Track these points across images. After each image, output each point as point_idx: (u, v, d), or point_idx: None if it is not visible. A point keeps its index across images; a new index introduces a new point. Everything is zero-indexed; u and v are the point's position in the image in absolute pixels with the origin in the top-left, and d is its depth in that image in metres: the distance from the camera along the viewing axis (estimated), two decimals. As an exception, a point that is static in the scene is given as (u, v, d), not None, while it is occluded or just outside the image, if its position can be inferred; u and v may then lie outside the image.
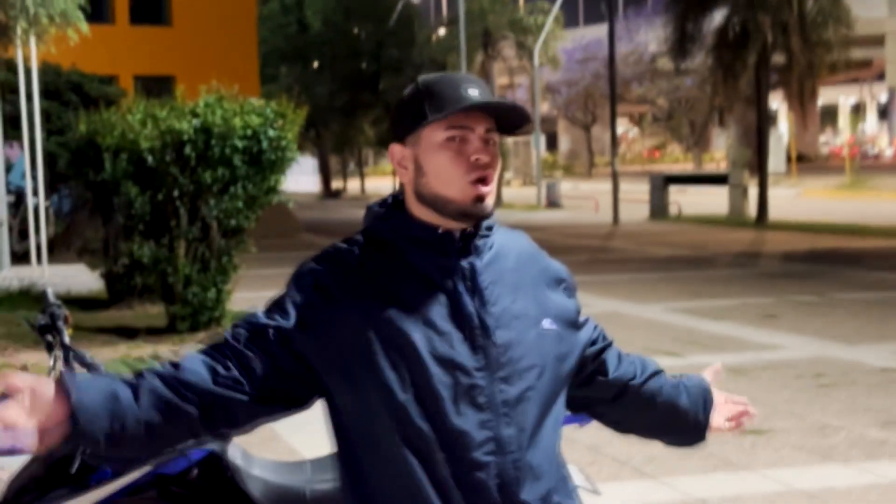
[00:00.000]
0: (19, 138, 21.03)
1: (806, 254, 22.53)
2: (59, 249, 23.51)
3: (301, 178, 67.11)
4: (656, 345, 12.37)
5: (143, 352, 12.29)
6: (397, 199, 2.60)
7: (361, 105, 55.91)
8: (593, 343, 2.79)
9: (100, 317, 15.06)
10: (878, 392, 9.79)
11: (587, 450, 8.14)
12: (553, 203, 43.71)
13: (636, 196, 38.26)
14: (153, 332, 13.49)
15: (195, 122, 12.95)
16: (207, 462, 3.76)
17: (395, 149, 2.56)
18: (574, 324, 2.70)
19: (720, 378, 3.05)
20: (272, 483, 3.82)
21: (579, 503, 2.72)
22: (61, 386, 2.30)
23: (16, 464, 3.92)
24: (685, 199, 36.51)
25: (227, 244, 13.40)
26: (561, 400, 2.66)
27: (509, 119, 2.52)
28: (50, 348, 3.99)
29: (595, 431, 8.31)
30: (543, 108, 57.08)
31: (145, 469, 3.69)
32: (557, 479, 2.62)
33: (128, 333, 13.53)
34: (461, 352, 2.46)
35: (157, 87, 27.45)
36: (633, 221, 33.95)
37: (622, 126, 76.02)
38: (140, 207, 13.49)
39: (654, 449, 8.05)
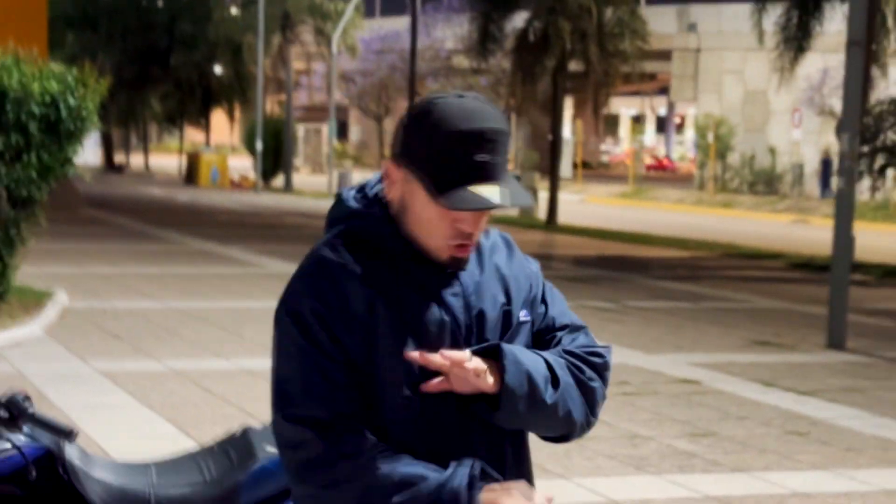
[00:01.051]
0: None
1: (596, 259, 22.89)
2: None
3: (82, 149, 65.18)
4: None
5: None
6: (378, 198, 2.50)
7: (150, 79, 54.50)
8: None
9: None
10: (681, 403, 9.89)
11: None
12: (343, 192, 43.53)
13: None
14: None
15: (-10, 83, 12.20)
16: (43, 461, 3.39)
17: (391, 167, 2.44)
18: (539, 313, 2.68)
19: None
20: (114, 486, 3.46)
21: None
22: None
23: None
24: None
25: (16, 215, 12.68)
26: None
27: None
28: None
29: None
30: (336, 96, 56.74)
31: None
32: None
33: None
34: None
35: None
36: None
37: (413, 120, 76.26)
38: None
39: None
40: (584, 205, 43.59)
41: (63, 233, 22.88)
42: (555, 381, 2.51)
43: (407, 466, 2.36)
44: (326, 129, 52.18)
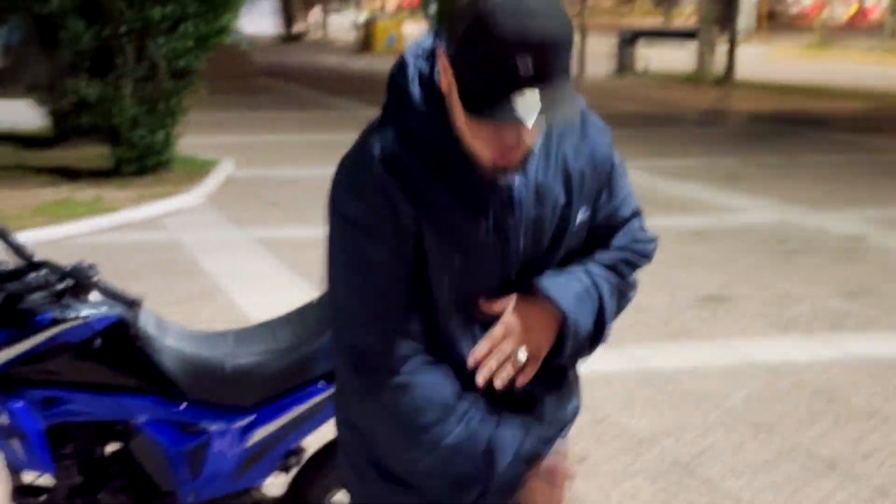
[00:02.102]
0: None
1: (772, 114, 22.14)
2: (7, 83, 22.77)
3: (261, 19, 65.76)
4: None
5: (86, 194, 11.83)
6: (437, 89, 2.18)
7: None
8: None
9: (44, 156, 14.55)
10: (842, 260, 9.51)
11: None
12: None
13: (603, 50, 37.53)
14: (98, 175, 13.01)
15: (147, -40, 12.28)
16: (114, 330, 3.38)
17: (440, 54, 2.12)
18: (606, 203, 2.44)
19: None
20: (188, 354, 3.44)
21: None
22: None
23: None
24: (652, 55, 35.88)
25: (175, 85, 12.85)
26: None
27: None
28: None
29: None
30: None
31: (46, 335, 3.31)
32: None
33: (72, 174, 13.05)
34: (491, 271, 2.27)
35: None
36: (598, 76, 33.37)
37: (592, -23, 74.79)
38: (86, 44, 12.87)
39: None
40: (766, 59, 42.11)
41: (235, 102, 23.23)
42: (602, 314, 2.42)
43: (466, 423, 2.22)
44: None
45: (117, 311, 3.40)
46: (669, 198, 12.49)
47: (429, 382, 2.19)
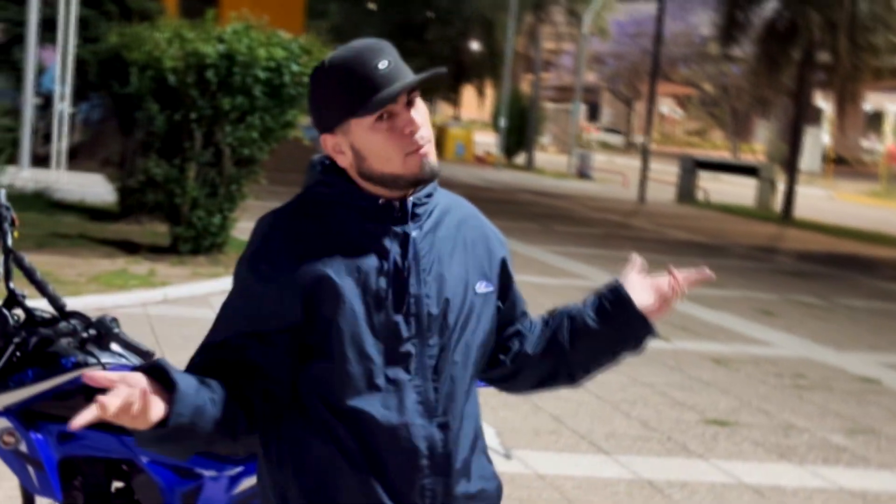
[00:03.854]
0: (54, 42, 21.13)
1: (822, 255, 22.45)
2: (83, 158, 23.66)
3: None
4: (647, 326, 12.40)
5: (141, 267, 12.41)
6: (335, 164, 2.60)
7: (407, 52, 55.53)
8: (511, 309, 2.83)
9: (108, 228, 15.19)
10: (852, 400, 9.81)
11: (551, 419, 8.22)
12: (583, 174, 43.59)
13: (668, 177, 38.05)
14: (155, 251, 13.61)
15: (220, 47, 12.98)
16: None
17: (327, 139, 2.55)
18: (504, 287, 2.77)
19: (641, 266, 2.88)
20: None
21: (490, 463, 2.74)
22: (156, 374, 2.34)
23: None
24: (716, 187, 36.33)
25: (238, 172, 13.48)
26: (482, 363, 2.71)
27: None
28: (-7, 248, 4.06)
29: (561, 402, 8.40)
30: (588, 77, 56.67)
31: (68, 376, 3.78)
32: (477, 439, 2.67)
33: (131, 248, 13.66)
34: (395, 319, 2.51)
35: (200, 8, 27.39)
36: (660, 202, 33.84)
37: (666, 106, 75.58)
38: (159, 126, 13.56)
39: (617, 426, 8.16)
40: (830, 201, 42.43)
41: (289, 193, 23.91)
42: None
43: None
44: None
45: (134, 361, 3.87)
46: (699, 324, 12.86)
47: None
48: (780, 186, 32.28)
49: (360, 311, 2.48)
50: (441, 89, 59.60)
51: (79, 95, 22.34)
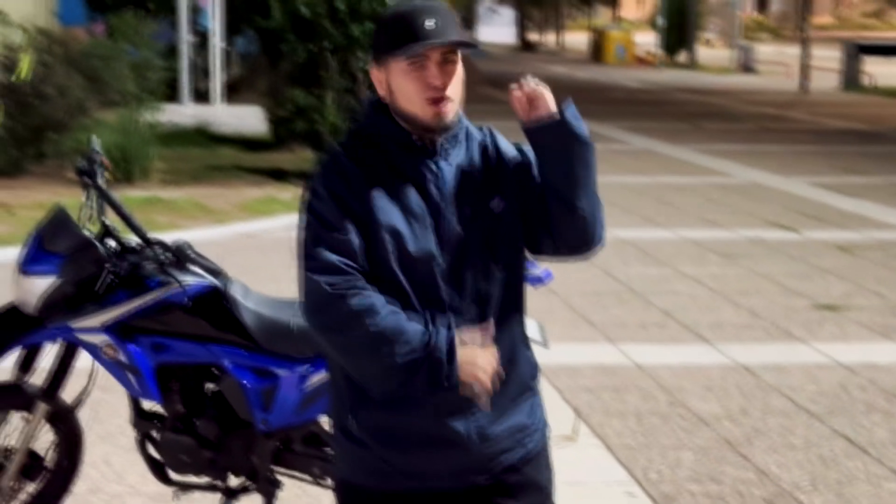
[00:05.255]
0: (206, -18, 22.03)
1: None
2: (243, 90, 24.61)
3: (500, 29, 67.34)
4: (778, 218, 12.61)
5: (288, 194, 13.12)
6: (383, 103, 3.05)
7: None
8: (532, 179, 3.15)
9: (261, 158, 15.98)
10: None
11: (660, 313, 8.62)
12: (747, 67, 43.02)
13: (836, 65, 37.24)
14: (303, 176, 14.32)
15: (350, -22, 13.53)
16: (209, 294, 4.43)
17: (374, 71, 3.04)
18: (522, 184, 3.12)
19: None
20: (264, 315, 4.46)
21: (531, 352, 3.19)
22: None
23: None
24: (887, 71, 35.45)
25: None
26: (519, 262, 3.14)
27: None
28: (86, 188, 4.66)
29: (673, 297, 8.77)
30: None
31: (154, 294, 4.39)
32: (517, 331, 3.13)
33: (279, 175, 14.40)
34: (428, 238, 2.96)
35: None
36: (823, 91, 33.34)
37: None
38: (300, 57, 14.22)
39: (725, 316, 8.51)
40: None
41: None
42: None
43: (399, 320, 2.90)
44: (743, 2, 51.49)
45: (212, 279, 4.46)
46: (832, 213, 12.99)
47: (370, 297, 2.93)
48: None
49: (404, 230, 2.94)
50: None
51: (233, 31, 23.24)
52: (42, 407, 4.59)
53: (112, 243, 4.53)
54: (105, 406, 6.16)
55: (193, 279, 4.44)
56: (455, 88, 2.97)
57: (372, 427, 3.00)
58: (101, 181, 4.59)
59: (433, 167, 3.01)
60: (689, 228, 12.01)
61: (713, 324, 8.38)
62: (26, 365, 4.66)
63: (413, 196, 2.99)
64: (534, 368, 3.18)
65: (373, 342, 2.88)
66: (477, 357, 2.89)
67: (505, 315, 3.08)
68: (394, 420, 2.99)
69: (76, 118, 14.33)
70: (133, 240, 4.54)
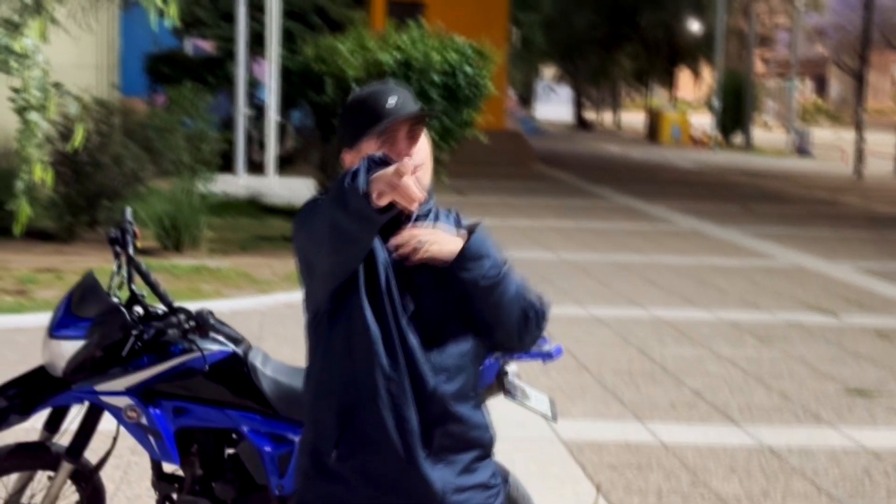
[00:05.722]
0: (263, 55, 22.48)
1: None
2: (298, 163, 24.99)
3: (557, 107, 67.83)
4: (819, 302, 12.63)
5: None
6: None
7: (620, 37, 55.94)
8: None
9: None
10: None
11: (691, 393, 8.67)
12: (802, 151, 42.99)
13: (891, 150, 37.13)
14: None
15: (398, 55, 13.80)
16: (229, 361, 4.59)
17: (345, 156, 3.25)
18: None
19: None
20: (282, 383, 4.61)
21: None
22: None
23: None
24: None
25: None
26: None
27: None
28: (117, 256, 4.85)
29: (705, 377, 8.82)
30: (816, 50, 55.57)
31: (176, 361, 4.55)
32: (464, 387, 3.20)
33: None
34: (395, 300, 3.11)
35: (408, 12, 28.32)
36: (878, 176, 33.25)
37: (897, 74, 73.26)
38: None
39: (755, 398, 8.55)
40: None
41: (502, 187, 24.69)
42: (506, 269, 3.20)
43: None
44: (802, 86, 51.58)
45: (232, 347, 4.61)
46: (874, 299, 12.99)
47: None
48: None
49: (368, 294, 3.09)
50: (656, 73, 59.49)
51: (290, 105, 23.65)
52: (66, 466, 4.75)
53: (139, 309, 4.70)
54: (135, 469, 6.32)
55: (215, 346, 4.60)
56: (422, 156, 3.17)
57: (350, 463, 3.13)
58: (131, 250, 4.77)
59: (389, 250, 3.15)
60: (728, 310, 12.05)
61: (743, 405, 8.42)
62: (53, 425, 4.83)
63: (381, 259, 3.12)
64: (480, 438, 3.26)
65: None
66: (389, 170, 2.87)
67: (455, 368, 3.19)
68: (372, 460, 3.12)
69: (130, 187, 14.67)
70: (159, 307, 4.72)
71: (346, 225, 2.91)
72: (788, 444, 7.55)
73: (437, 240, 3.12)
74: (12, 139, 11.07)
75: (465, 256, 3.10)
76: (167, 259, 13.15)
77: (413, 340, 3.09)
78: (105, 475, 6.26)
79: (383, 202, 2.82)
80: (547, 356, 4.73)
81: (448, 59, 13.84)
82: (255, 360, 4.66)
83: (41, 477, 4.84)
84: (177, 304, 4.69)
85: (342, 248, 2.99)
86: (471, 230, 3.17)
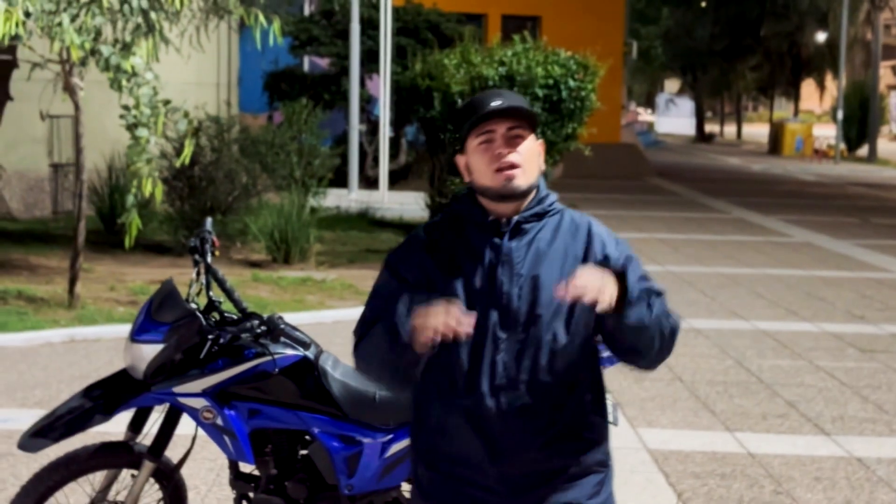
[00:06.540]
0: (377, 71, 22.81)
1: None
2: (412, 177, 25.29)
3: (679, 120, 67.31)
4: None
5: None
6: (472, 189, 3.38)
7: (742, 50, 55.31)
8: None
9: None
10: None
11: (784, 404, 8.63)
12: (929, 161, 42.09)
13: None
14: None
15: (501, 69, 13.95)
16: (301, 365, 4.76)
17: (459, 159, 3.37)
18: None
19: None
20: (351, 386, 4.77)
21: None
22: None
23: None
24: None
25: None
26: (578, 346, 3.32)
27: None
28: (196, 265, 5.06)
29: (800, 388, 8.78)
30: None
31: (250, 364, 4.73)
32: (570, 404, 3.33)
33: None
34: (490, 314, 3.22)
35: (523, 26, 28.49)
36: None
37: None
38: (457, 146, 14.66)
39: (850, 409, 8.49)
40: None
41: (618, 200, 24.64)
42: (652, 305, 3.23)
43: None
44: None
45: (303, 351, 4.79)
46: None
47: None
48: None
49: (461, 299, 3.20)
50: (780, 84, 58.75)
51: (404, 120, 23.96)
52: (148, 465, 4.96)
53: (215, 315, 4.91)
54: (227, 471, 6.53)
55: (287, 350, 4.77)
56: (523, 157, 3.21)
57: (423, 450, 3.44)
58: (209, 258, 4.98)
59: (498, 244, 3.24)
60: (832, 322, 11.93)
61: (836, 416, 8.37)
62: (136, 426, 5.05)
63: (479, 272, 3.24)
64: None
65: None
66: (429, 314, 3.04)
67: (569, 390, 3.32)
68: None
69: (242, 201, 15.03)
70: (234, 313, 4.92)
71: (393, 355, 3.20)
72: (878, 455, 7.49)
73: (604, 288, 3.06)
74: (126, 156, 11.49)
75: (628, 302, 3.13)
76: (275, 271, 13.46)
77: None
78: (199, 477, 6.54)
79: (424, 350, 3.08)
80: (609, 361, 4.80)
81: (551, 72, 13.93)
82: (326, 364, 4.82)
83: (125, 475, 5.06)
84: (250, 309, 4.89)
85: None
86: (620, 272, 3.16)
